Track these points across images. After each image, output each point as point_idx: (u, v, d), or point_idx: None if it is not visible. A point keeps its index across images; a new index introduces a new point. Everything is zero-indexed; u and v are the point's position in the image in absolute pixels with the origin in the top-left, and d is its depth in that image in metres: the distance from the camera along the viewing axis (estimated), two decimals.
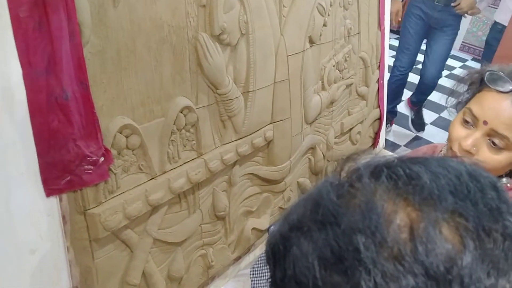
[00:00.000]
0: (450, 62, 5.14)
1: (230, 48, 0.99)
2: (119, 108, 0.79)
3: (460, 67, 5.01)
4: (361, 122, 1.68)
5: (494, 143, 0.86)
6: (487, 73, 0.88)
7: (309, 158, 1.42)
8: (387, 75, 1.69)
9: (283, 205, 1.33)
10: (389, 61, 1.96)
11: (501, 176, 0.92)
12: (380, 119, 1.81)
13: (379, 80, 1.72)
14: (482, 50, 4.99)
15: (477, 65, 4.23)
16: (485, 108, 0.87)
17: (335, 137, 1.54)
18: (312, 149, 1.42)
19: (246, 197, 1.18)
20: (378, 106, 1.77)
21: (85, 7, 0.69)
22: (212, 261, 1.10)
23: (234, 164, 1.10)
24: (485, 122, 0.87)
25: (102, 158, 0.76)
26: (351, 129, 1.63)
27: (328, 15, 1.32)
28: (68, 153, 0.72)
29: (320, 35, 1.30)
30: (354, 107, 1.62)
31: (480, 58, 4.85)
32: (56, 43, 0.66)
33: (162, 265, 0.96)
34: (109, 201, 0.80)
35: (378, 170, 0.39)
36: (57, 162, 0.71)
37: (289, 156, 1.28)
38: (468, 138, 0.88)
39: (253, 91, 1.07)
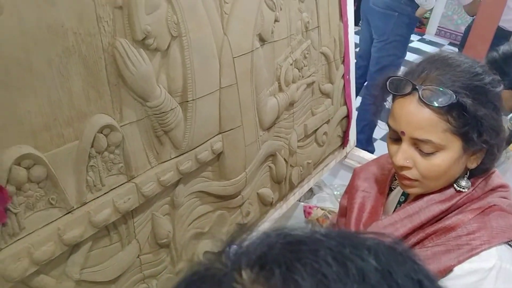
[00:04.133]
0: (426, 47, 5.08)
1: (161, 53, 0.87)
2: (14, 136, 0.66)
3: None
4: (327, 122, 1.57)
5: (422, 150, 0.77)
6: (387, 81, 0.80)
7: (269, 166, 1.31)
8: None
9: (242, 221, 1.22)
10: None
11: (457, 180, 0.82)
12: (348, 116, 1.70)
13: (345, 75, 1.61)
14: (459, 34, 4.94)
15: (454, 50, 4.16)
16: (397, 118, 0.78)
17: (299, 141, 1.43)
18: (272, 156, 1.31)
19: (196, 217, 1.06)
20: (345, 103, 1.66)
21: None
22: None
23: (177, 183, 0.98)
24: (402, 133, 0.79)
25: None
26: (316, 130, 1.52)
27: (280, 9, 1.19)
28: None
29: (272, 32, 1.18)
30: (318, 107, 1.51)
31: (457, 42, 4.79)
32: None
33: None
34: (10, 247, 0.67)
35: (260, 263, 0.28)
36: None
37: (244, 168, 1.17)
38: (397, 154, 0.80)
39: (193, 100, 0.95)
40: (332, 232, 0.31)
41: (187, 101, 0.94)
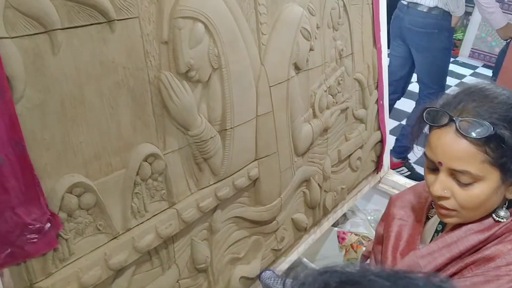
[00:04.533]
0: (460, 70, 5.00)
1: (202, 84, 0.91)
2: (67, 165, 0.70)
3: (470, 75, 4.84)
4: (361, 147, 1.57)
5: (460, 181, 0.76)
6: (424, 112, 0.80)
7: (303, 192, 1.32)
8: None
9: (276, 246, 1.23)
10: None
11: (496, 210, 0.81)
12: (382, 141, 1.69)
13: (378, 100, 1.61)
14: (493, 56, 4.85)
15: (488, 72, 4.06)
16: (434, 149, 0.78)
17: (332, 166, 1.44)
18: (306, 181, 1.32)
19: (232, 243, 1.08)
20: (379, 128, 1.66)
21: (16, 59, 0.61)
22: None
23: (215, 209, 1.00)
24: (440, 163, 0.78)
25: (48, 224, 0.67)
26: (350, 155, 1.52)
27: (315, 38, 1.22)
28: (6, 224, 0.63)
29: (307, 61, 1.20)
30: (352, 132, 1.51)
31: (492, 64, 4.69)
32: None
33: None
34: (61, 271, 0.71)
35: None
36: None
37: (279, 193, 1.18)
38: (435, 184, 0.79)
39: (231, 128, 0.98)
40: (384, 272, 0.32)
41: (226, 129, 0.97)
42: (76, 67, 0.68)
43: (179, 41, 0.82)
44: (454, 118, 0.74)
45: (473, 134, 0.72)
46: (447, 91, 0.82)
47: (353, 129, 1.52)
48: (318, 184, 1.36)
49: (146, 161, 0.82)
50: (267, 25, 1.05)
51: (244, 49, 0.98)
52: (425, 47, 2.64)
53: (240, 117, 1.00)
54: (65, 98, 0.68)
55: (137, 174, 0.80)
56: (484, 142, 0.72)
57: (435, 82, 2.74)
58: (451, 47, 2.75)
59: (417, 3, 2.49)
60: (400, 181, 1.81)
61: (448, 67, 2.81)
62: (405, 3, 2.59)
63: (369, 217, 1.84)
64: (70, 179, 0.70)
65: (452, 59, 5.31)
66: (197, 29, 0.84)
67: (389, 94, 2.57)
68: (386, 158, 1.77)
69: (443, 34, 2.57)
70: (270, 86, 1.08)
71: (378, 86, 1.60)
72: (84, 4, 0.67)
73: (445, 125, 0.76)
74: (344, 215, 1.76)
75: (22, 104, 0.63)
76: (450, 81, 4.58)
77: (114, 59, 0.73)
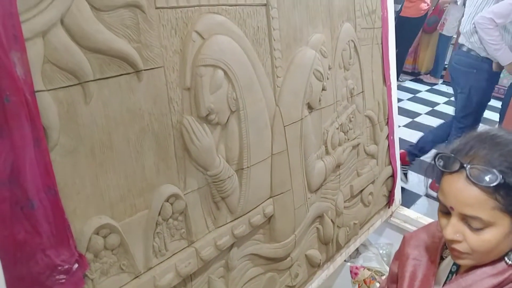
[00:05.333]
0: None
1: (220, 126, 0.95)
2: (95, 208, 0.73)
3: None
4: (373, 182, 1.59)
5: (471, 226, 0.78)
6: (436, 158, 0.82)
7: (317, 228, 1.34)
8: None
9: (291, 283, 1.24)
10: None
11: (508, 253, 0.82)
12: (393, 176, 1.71)
13: (389, 136, 1.64)
14: (502, 88, 4.87)
15: (497, 103, 4.08)
16: (446, 194, 0.80)
17: (345, 201, 1.46)
18: (319, 217, 1.34)
19: (248, 280, 1.09)
20: (390, 163, 1.69)
21: (52, 110, 0.65)
22: None
23: (231, 246, 1.02)
24: (451, 208, 0.79)
25: (76, 265, 0.70)
26: (362, 190, 1.54)
27: (327, 78, 1.27)
28: (37, 265, 0.66)
29: (320, 100, 1.25)
30: (364, 167, 1.54)
31: (501, 96, 4.71)
32: (19, 151, 0.62)
33: None
34: None
35: None
36: (25, 275, 0.65)
37: (293, 230, 1.20)
38: (447, 228, 0.81)
39: (247, 167, 1.01)
40: None
41: (243, 169, 1.01)
42: (105, 115, 0.73)
43: (201, 87, 0.86)
44: (464, 165, 0.76)
45: (483, 182, 0.74)
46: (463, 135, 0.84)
47: (364, 165, 1.54)
48: (331, 220, 1.38)
49: (168, 201, 0.85)
50: (281, 68, 1.10)
51: (260, 92, 1.03)
52: (463, 85, 2.79)
53: (256, 156, 1.04)
54: (95, 144, 0.72)
55: (159, 214, 0.83)
56: (494, 190, 0.74)
57: (466, 118, 2.82)
58: (487, 91, 2.82)
59: (462, 44, 2.68)
60: (411, 215, 1.82)
61: (482, 107, 2.87)
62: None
63: (381, 251, 1.84)
64: (98, 221, 0.73)
65: None
66: (217, 76, 0.89)
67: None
68: (398, 192, 1.78)
69: (481, 76, 2.67)
70: (284, 126, 1.12)
71: (389, 122, 1.63)
72: (115, 56, 0.72)
73: (456, 171, 0.78)
74: (357, 249, 1.76)
75: (56, 152, 0.67)
76: None
77: (140, 106, 0.78)
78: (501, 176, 0.72)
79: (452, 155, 0.79)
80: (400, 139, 1.87)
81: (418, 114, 4.45)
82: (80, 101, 0.69)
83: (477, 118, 2.88)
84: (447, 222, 0.81)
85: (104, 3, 0.70)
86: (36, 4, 0.62)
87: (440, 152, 0.82)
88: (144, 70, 0.77)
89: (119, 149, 0.76)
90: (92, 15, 0.68)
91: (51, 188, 0.66)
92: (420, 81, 5.80)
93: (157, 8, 0.78)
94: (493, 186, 0.73)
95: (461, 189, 0.76)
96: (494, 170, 0.73)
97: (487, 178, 0.73)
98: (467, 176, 0.75)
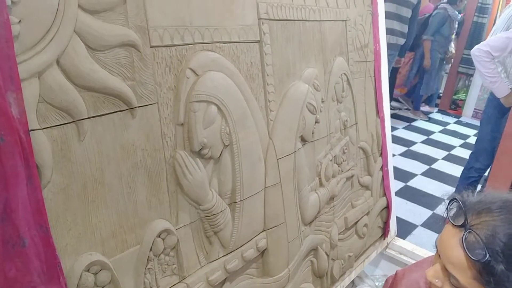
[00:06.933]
0: (462, 129, 5.08)
1: (213, 160, 0.95)
2: (86, 244, 0.73)
3: (474, 135, 4.92)
4: (367, 214, 1.59)
5: (450, 281, 0.76)
6: (451, 200, 0.80)
7: (311, 261, 1.33)
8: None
9: None
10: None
11: None
12: (388, 207, 1.72)
13: (383, 167, 1.65)
14: None
15: None
16: (440, 242, 0.79)
17: (339, 233, 1.45)
18: (313, 250, 1.33)
19: None
20: (385, 194, 1.69)
21: (45, 148, 0.66)
22: None
23: (224, 282, 1.01)
24: (439, 256, 0.79)
25: None
26: (356, 222, 1.54)
27: (320, 111, 1.29)
28: None
29: (313, 133, 1.26)
30: (358, 199, 1.54)
31: None
32: (12, 189, 0.62)
33: None
34: None
35: None
36: None
37: (287, 264, 1.19)
38: (430, 270, 0.80)
39: (240, 201, 1.02)
40: None
41: (235, 202, 1.01)
42: (99, 152, 0.74)
43: (194, 122, 0.88)
44: (466, 226, 0.74)
45: (471, 252, 0.71)
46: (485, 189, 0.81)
47: (359, 196, 1.55)
48: (326, 253, 1.37)
49: (159, 237, 0.85)
50: (275, 102, 1.12)
51: (254, 126, 1.04)
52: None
53: (249, 190, 1.04)
54: (87, 181, 0.73)
55: (151, 249, 0.83)
56: (480, 264, 0.71)
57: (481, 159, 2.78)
58: (490, 117, 2.73)
59: None
60: (407, 246, 1.81)
61: (487, 139, 2.76)
62: None
63: (377, 283, 1.82)
64: (88, 258, 0.73)
65: (455, 120, 5.42)
66: (210, 111, 0.90)
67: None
68: (393, 223, 1.78)
69: (493, 101, 2.62)
70: (278, 159, 1.12)
71: (382, 153, 1.65)
72: (110, 94, 0.74)
73: (458, 226, 0.75)
74: (352, 281, 1.74)
75: (48, 189, 0.67)
76: (453, 140, 4.65)
77: (134, 142, 0.79)
78: (487, 256, 0.69)
79: (463, 208, 0.76)
80: (394, 168, 1.88)
81: (414, 143, 4.47)
82: (73, 138, 0.70)
83: (484, 160, 2.78)
84: (435, 263, 0.81)
85: (100, 43, 0.71)
86: (33, 46, 0.63)
87: (456, 197, 0.79)
88: (138, 106, 0.79)
89: (111, 185, 0.76)
90: (88, 55, 0.70)
91: (43, 226, 0.66)
92: None
93: (151, 46, 0.80)
94: (478, 261, 0.70)
95: (452, 246, 0.75)
96: (487, 248, 0.70)
97: (477, 251, 0.71)
98: (463, 236, 0.73)
